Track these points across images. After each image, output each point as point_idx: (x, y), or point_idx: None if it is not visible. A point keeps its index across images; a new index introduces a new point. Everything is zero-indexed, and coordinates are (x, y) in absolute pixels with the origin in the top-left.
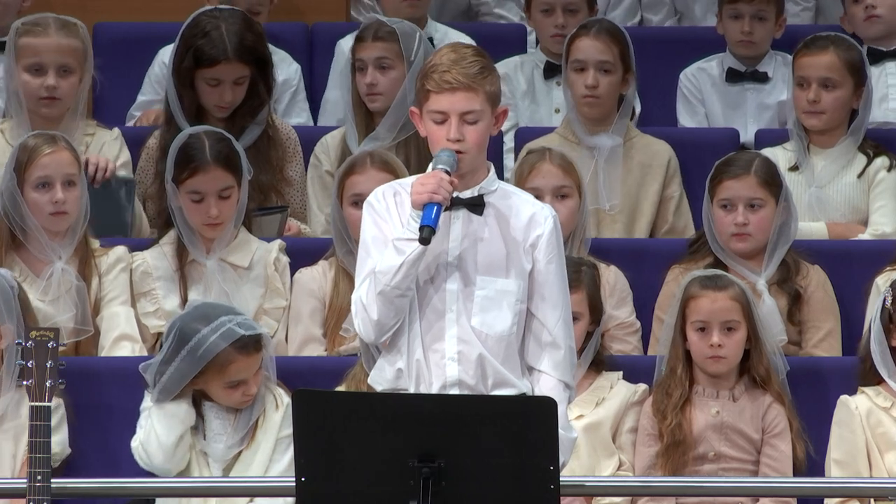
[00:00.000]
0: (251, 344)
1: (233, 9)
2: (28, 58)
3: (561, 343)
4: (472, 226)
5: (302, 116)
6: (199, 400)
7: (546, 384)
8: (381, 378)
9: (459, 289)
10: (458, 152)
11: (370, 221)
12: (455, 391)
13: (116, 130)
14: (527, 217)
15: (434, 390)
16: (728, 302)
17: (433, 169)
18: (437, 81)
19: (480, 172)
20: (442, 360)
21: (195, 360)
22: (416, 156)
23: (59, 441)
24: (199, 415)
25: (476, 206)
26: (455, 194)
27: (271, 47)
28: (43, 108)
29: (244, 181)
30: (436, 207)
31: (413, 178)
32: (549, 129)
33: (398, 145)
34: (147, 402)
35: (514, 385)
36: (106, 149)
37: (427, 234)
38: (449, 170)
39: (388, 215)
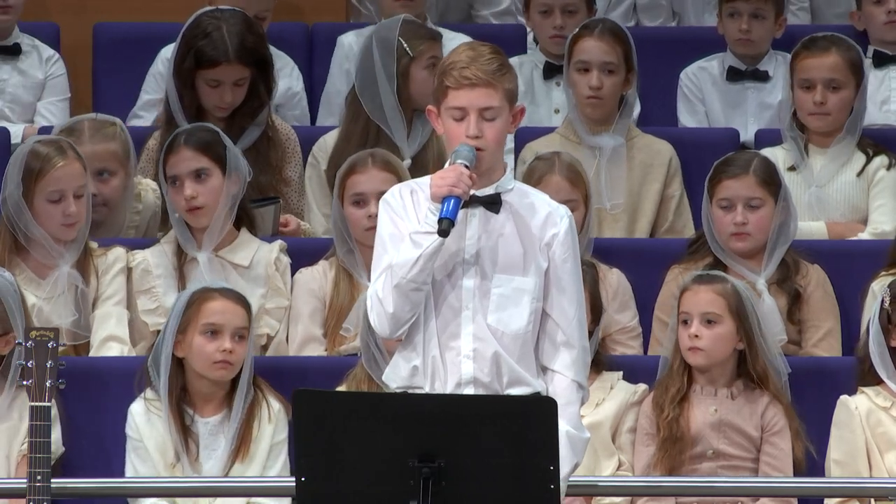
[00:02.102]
0: (234, 294)
1: (234, 10)
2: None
3: (575, 343)
4: (489, 224)
5: (304, 122)
6: (186, 417)
7: (560, 384)
8: (396, 375)
9: (476, 286)
10: (477, 149)
11: (386, 218)
12: (470, 389)
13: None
14: (543, 216)
15: (449, 388)
16: (709, 295)
17: (453, 163)
18: (457, 78)
19: (497, 171)
20: (457, 357)
21: (178, 306)
22: None
23: (54, 439)
24: (189, 436)
25: (493, 204)
26: (472, 192)
27: (275, 52)
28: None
29: (230, 171)
30: (454, 200)
31: (428, 177)
32: (549, 130)
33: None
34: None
35: (529, 384)
36: (145, 213)
37: (446, 225)
38: (468, 164)
39: (405, 212)
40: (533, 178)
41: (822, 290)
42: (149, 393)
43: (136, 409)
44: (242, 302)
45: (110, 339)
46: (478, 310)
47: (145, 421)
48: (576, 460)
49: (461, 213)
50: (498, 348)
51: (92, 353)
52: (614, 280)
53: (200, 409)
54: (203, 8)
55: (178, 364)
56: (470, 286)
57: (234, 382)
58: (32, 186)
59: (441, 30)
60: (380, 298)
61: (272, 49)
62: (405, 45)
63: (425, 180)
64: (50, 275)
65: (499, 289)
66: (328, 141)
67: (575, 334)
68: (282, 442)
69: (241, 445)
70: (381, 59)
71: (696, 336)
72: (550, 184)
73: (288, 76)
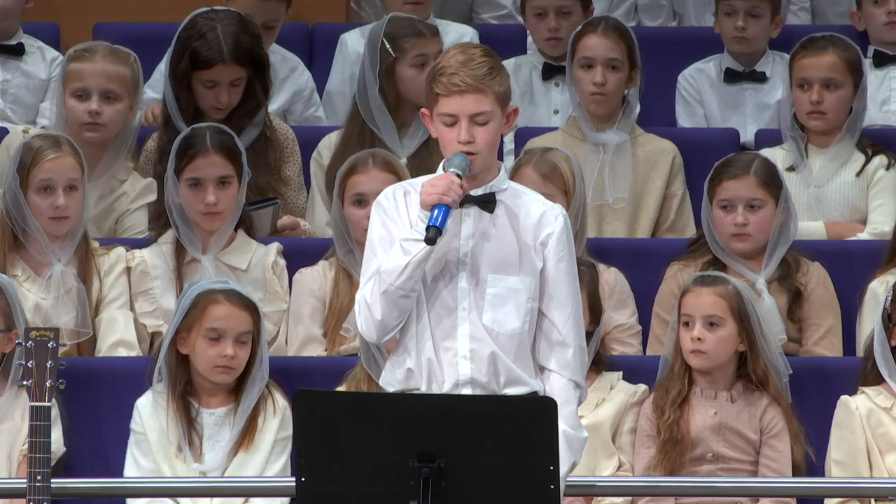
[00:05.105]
0: (239, 298)
1: (229, 10)
2: (74, 83)
3: (571, 342)
4: (483, 223)
5: (320, 124)
6: (192, 409)
7: (556, 383)
8: (392, 379)
9: (471, 286)
10: (470, 153)
11: (378, 222)
12: (467, 390)
13: (152, 183)
14: (537, 216)
15: (446, 389)
16: (712, 297)
17: (445, 171)
18: (446, 84)
19: (491, 171)
20: (454, 358)
21: (184, 302)
22: None
23: (55, 439)
24: (193, 428)
25: (487, 203)
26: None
27: (284, 52)
28: (86, 133)
29: (244, 179)
30: (444, 209)
31: (424, 178)
32: (548, 130)
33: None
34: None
35: (526, 383)
36: (124, 199)
37: (433, 234)
38: (460, 173)
39: (398, 215)
40: (514, 170)
41: (822, 288)
42: (158, 386)
43: (143, 402)
44: (247, 305)
45: (119, 343)
46: (472, 309)
47: (150, 413)
48: (573, 460)
49: (455, 212)
50: (495, 348)
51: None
52: (611, 278)
53: (206, 401)
54: (199, 9)
55: (184, 358)
56: (464, 286)
57: (241, 375)
58: (25, 178)
59: (441, 21)
60: (368, 304)
61: (282, 51)
62: (388, 45)
63: (420, 181)
64: (45, 272)
65: (493, 288)
66: (333, 139)
67: (571, 333)
68: (286, 438)
69: (246, 435)
70: (368, 60)
71: (699, 339)
72: (523, 176)
73: (299, 77)
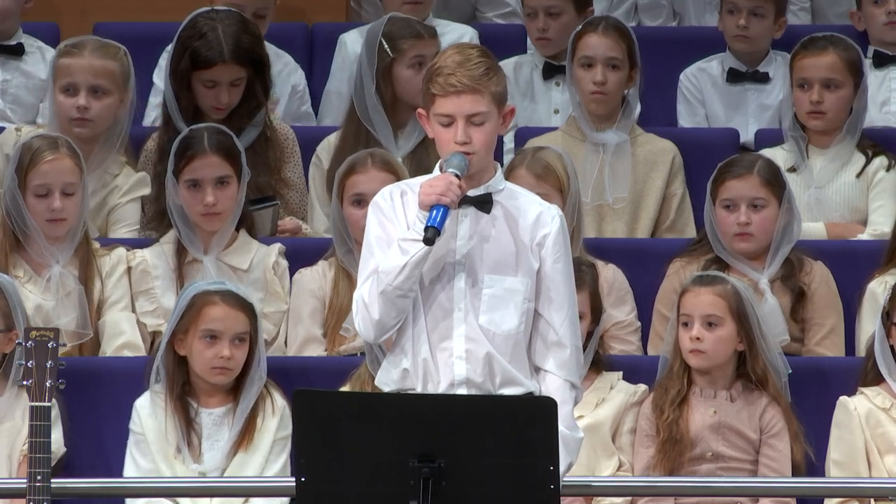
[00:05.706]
0: (235, 298)
1: (229, 10)
2: (63, 78)
3: (567, 342)
4: (480, 224)
5: (310, 121)
6: (191, 409)
7: (552, 384)
8: (388, 379)
9: (467, 287)
10: (466, 154)
11: (375, 222)
12: (463, 390)
13: (145, 177)
14: (534, 216)
15: (441, 389)
16: (710, 297)
17: (444, 172)
18: (442, 85)
19: (488, 172)
20: (450, 358)
21: (181, 303)
22: None
23: (55, 440)
24: (192, 428)
25: (484, 203)
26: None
27: (277, 51)
28: (75, 128)
29: (244, 179)
30: (442, 209)
31: (421, 178)
32: (548, 130)
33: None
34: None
35: (521, 384)
36: (116, 193)
37: (432, 234)
38: (459, 174)
39: (395, 215)
40: (507, 172)
41: (825, 287)
42: (157, 386)
43: (141, 402)
44: (243, 306)
45: (125, 346)
46: (469, 310)
47: (149, 413)
48: (570, 460)
49: (452, 213)
50: (490, 349)
51: None
52: (609, 275)
53: (205, 402)
54: (199, 9)
55: (182, 359)
56: (461, 287)
57: (240, 375)
58: (23, 180)
59: (441, 21)
60: (366, 304)
61: (274, 48)
62: (386, 45)
63: (417, 181)
64: (44, 274)
65: (490, 289)
66: (332, 141)
67: (567, 334)
68: (285, 438)
69: (245, 436)
70: (366, 60)
71: (698, 339)
72: (517, 177)
73: (292, 74)
